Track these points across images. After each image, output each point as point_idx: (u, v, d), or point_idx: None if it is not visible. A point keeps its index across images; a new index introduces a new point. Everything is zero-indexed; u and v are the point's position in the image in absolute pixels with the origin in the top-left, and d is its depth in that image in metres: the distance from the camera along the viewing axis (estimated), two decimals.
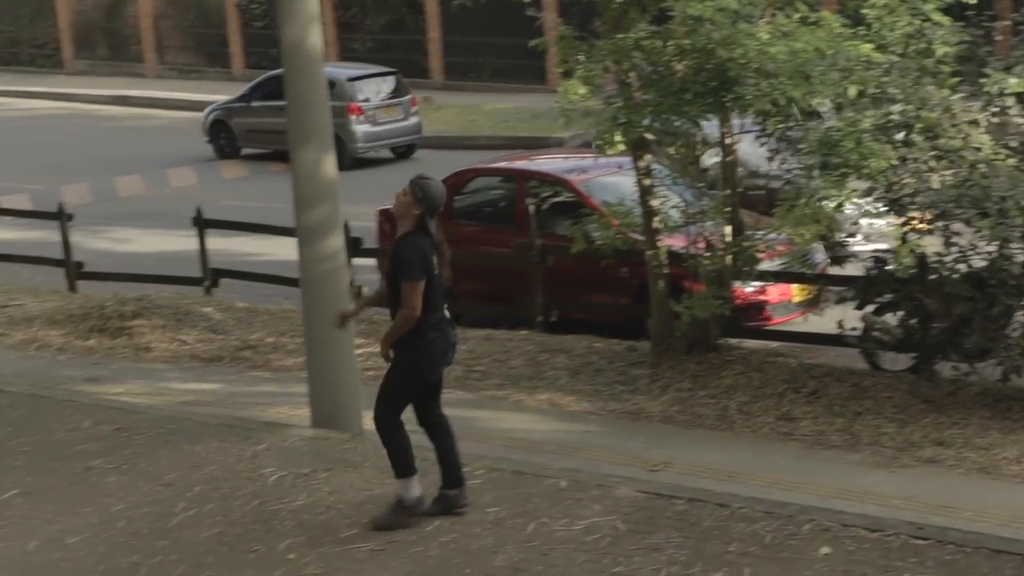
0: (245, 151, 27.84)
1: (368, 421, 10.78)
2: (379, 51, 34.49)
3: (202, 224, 16.77)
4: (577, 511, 8.34)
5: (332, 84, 29.53)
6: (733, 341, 13.10)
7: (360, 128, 26.65)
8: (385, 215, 16.57)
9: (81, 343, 14.70)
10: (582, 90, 12.46)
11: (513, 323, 14.61)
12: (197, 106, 30.17)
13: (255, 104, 27.52)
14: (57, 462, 9.62)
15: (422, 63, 34.03)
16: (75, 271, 17.51)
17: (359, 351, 11.62)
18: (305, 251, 10.58)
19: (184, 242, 17.97)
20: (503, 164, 17.07)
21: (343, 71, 28.69)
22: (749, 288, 13.44)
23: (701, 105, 12.00)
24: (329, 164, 10.48)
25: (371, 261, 16.13)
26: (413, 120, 27.62)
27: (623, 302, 14.33)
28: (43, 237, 18.54)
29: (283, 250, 15.75)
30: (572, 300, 14.65)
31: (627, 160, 13.29)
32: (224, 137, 28.04)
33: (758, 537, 7.83)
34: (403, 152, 27.66)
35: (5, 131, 31.71)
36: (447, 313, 8.37)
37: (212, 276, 16.71)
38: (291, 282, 14.17)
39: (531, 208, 14.60)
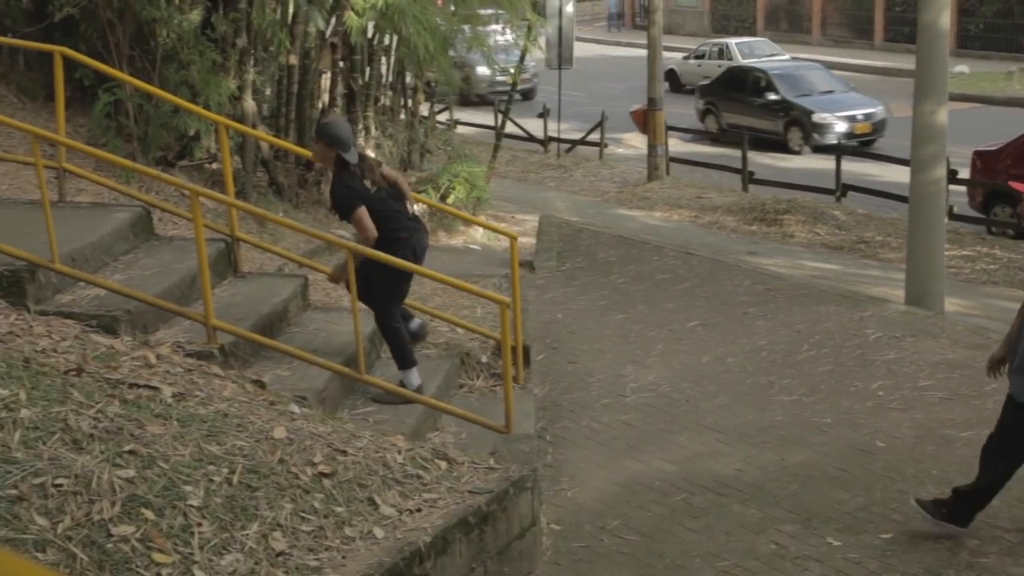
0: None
1: (949, 305, 10.20)
2: (988, 31, 31.67)
3: (839, 150, 16.35)
4: None
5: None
6: None
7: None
8: (978, 155, 15.32)
9: (746, 227, 14.82)
10: None
11: None
12: (843, 67, 28.92)
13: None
14: (725, 306, 9.80)
15: (1021, 40, 30.72)
16: (748, 177, 17.62)
17: (948, 252, 10.88)
18: (916, 177, 10.00)
19: (824, 163, 17.63)
20: None
21: None
22: None
23: None
24: (942, 114, 9.76)
25: (962, 188, 14.98)
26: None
27: None
28: (730, 152, 18.82)
29: (895, 175, 15.05)
30: None
31: None
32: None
33: None
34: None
35: None
36: (415, 216, 6.35)
37: (842, 189, 16.25)
38: (899, 198, 13.52)
39: None
